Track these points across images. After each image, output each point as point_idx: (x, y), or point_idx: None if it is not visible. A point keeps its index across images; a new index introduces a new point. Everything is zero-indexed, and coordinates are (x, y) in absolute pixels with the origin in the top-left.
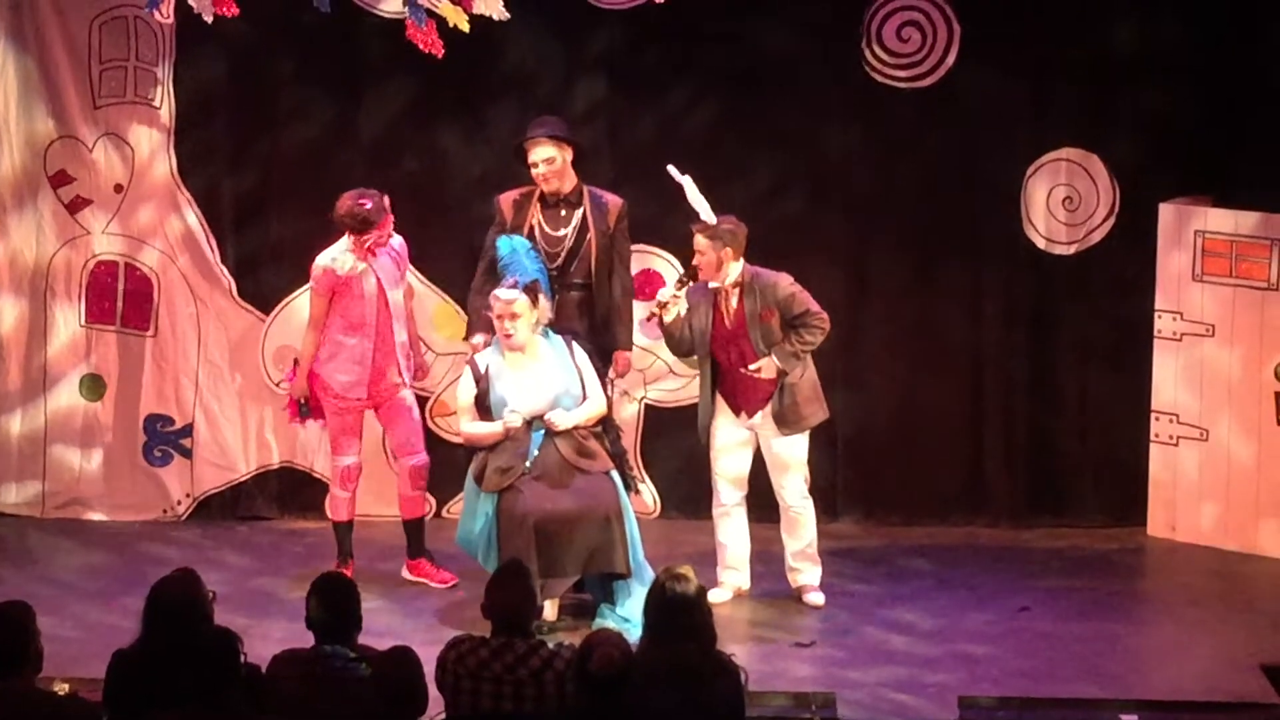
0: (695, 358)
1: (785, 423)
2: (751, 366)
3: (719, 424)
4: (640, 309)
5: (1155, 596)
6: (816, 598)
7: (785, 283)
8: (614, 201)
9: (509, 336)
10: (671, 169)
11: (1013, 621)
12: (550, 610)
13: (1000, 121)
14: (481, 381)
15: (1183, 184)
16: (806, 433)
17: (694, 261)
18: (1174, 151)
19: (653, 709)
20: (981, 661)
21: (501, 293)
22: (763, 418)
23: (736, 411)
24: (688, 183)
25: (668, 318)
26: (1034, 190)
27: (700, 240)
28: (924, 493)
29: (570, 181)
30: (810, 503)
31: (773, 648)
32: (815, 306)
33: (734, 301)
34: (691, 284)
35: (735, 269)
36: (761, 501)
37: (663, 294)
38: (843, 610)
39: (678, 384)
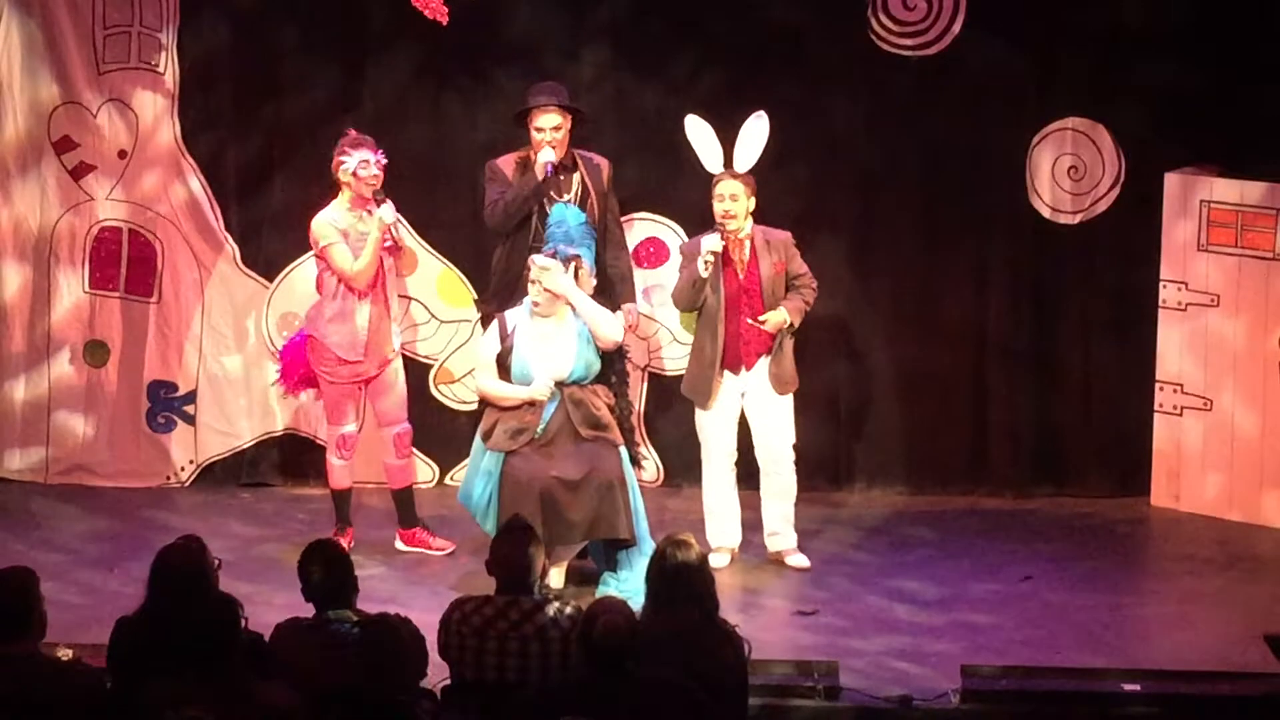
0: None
1: (780, 381)
2: (762, 318)
3: (716, 385)
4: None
5: (1158, 567)
6: (800, 560)
7: (791, 239)
8: (603, 162)
9: (537, 304)
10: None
11: (1015, 591)
12: (557, 577)
13: (1006, 90)
14: (506, 340)
15: (1188, 154)
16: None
17: (726, 210)
18: (1180, 121)
19: (656, 677)
20: (984, 631)
21: (540, 259)
22: (756, 377)
23: (735, 368)
24: (758, 122)
25: (709, 272)
26: (1039, 160)
27: (733, 185)
28: (927, 462)
29: (565, 147)
30: (793, 464)
31: (775, 616)
32: (807, 268)
33: (745, 254)
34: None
35: (750, 222)
36: (749, 470)
37: (714, 243)
38: (845, 579)
39: (681, 351)
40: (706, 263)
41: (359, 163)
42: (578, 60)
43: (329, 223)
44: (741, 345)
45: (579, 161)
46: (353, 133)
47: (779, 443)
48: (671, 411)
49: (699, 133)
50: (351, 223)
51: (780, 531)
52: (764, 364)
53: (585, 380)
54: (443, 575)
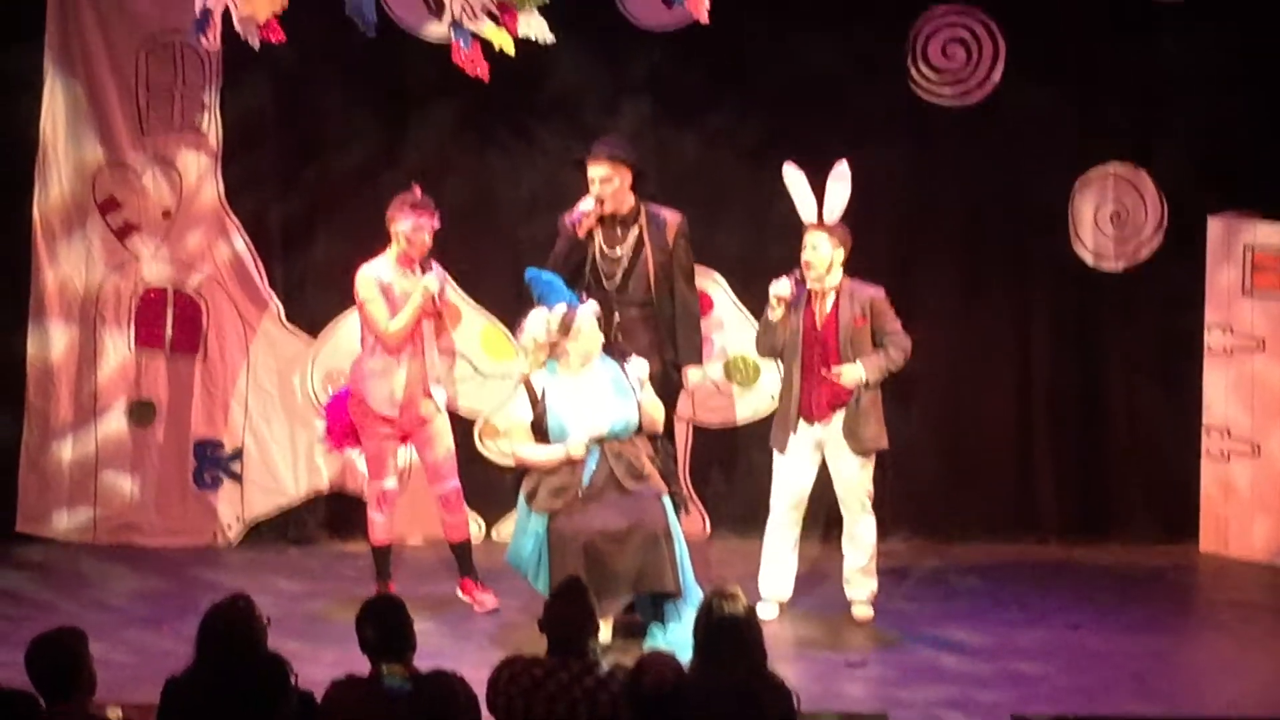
0: (774, 360)
1: (856, 439)
2: (835, 369)
3: (789, 432)
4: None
5: (1207, 613)
6: (862, 611)
7: (881, 296)
8: (672, 218)
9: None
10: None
11: (1064, 639)
12: (604, 631)
13: (1047, 137)
14: (537, 405)
15: (1231, 198)
16: (873, 455)
17: (806, 259)
18: (1222, 165)
19: None
20: (1033, 679)
21: (591, 305)
22: (832, 430)
23: (808, 418)
24: (839, 174)
25: (777, 315)
26: (1081, 206)
27: (816, 235)
28: (974, 510)
29: (627, 201)
30: (873, 519)
31: (824, 667)
32: (901, 327)
33: (828, 305)
34: (802, 282)
35: (838, 274)
36: (816, 519)
37: (779, 288)
38: (893, 629)
39: (724, 403)
40: (771, 307)
41: (413, 227)
42: (618, 113)
43: (372, 279)
44: (813, 399)
45: (643, 215)
46: (417, 192)
47: (849, 497)
48: (716, 463)
49: (794, 181)
50: (395, 278)
51: (851, 581)
52: (840, 418)
53: (624, 436)
54: (489, 631)
